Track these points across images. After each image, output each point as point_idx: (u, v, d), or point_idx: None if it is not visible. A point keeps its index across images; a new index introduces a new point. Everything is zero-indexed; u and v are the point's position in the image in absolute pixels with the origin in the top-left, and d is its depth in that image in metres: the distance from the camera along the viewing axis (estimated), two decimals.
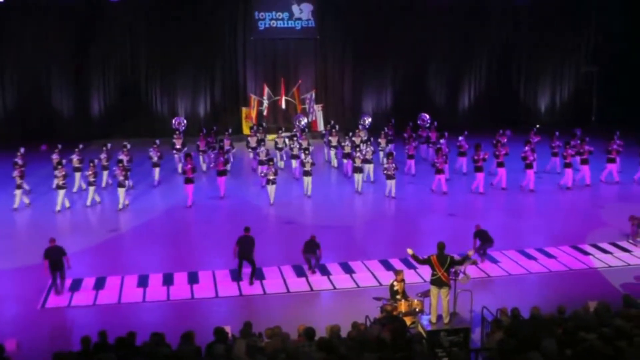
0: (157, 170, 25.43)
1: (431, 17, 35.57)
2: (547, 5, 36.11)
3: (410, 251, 12.66)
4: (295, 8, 34.46)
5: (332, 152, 28.01)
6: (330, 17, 35.22)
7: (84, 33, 33.08)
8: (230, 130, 28.18)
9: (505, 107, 36.74)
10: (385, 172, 23.43)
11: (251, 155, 27.87)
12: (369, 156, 24.90)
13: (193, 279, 16.63)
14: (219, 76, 34.99)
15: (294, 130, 29.39)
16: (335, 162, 28.02)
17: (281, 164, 27.43)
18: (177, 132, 28.46)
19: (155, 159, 25.27)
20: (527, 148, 24.27)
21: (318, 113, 33.90)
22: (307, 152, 23.94)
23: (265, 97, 33.29)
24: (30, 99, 33.27)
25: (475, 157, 23.75)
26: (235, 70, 34.98)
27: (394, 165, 23.26)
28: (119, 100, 34.15)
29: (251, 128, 28.26)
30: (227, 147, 26.86)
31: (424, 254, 13.04)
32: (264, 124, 30.76)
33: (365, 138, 27.68)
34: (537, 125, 36.18)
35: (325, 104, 34.94)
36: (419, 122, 30.52)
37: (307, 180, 23.54)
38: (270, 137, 29.80)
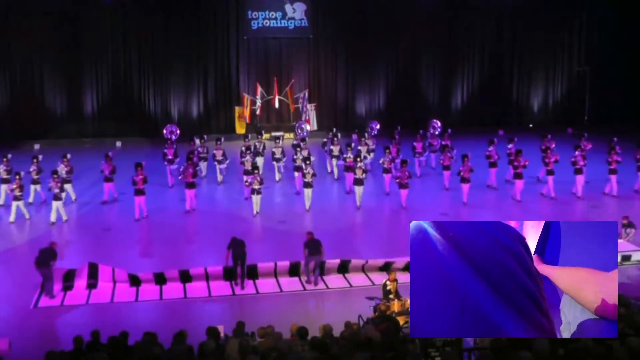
0: (109, 185, 22.83)
1: (424, 16, 35.60)
2: (540, 5, 36.18)
3: None
4: (288, 7, 34.46)
5: (334, 162, 25.86)
6: (323, 16, 35.26)
7: (77, 32, 32.99)
8: (222, 139, 26.15)
9: (498, 107, 36.84)
10: (397, 180, 22.05)
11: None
12: (386, 165, 23.46)
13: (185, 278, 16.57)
14: (212, 75, 34.92)
15: (296, 139, 27.27)
16: (337, 173, 25.85)
17: (278, 176, 25.51)
18: (169, 141, 25.94)
19: (106, 172, 22.64)
20: (577, 153, 23.10)
21: (311, 112, 33.87)
22: (307, 162, 22.27)
23: (258, 97, 33.25)
24: (22, 99, 33.11)
25: (515, 164, 22.58)
26: (228, 69, 34.93)
27: (407, 173, 21.98)
28: (111, 100, 33.98)
29: (245, 137, 26.28)
30: (219, 157, 24.95)
31: None
32: (263, 131, 28.85)
33: (373, 147, 26.28)
34: (530, 125, 36.40)
35: (318, 103, 34.96)
36: (430, 129, 28.82)
37: (308, 192, 21.90)
38: (264, 136, 29.55)
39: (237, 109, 34.18)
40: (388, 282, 13.78)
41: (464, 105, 37.33)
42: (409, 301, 13.35)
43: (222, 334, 10.91)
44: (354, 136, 32.93)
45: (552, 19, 36.53)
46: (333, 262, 16.73)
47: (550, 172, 22.88)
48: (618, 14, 36.33)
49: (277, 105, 33.70)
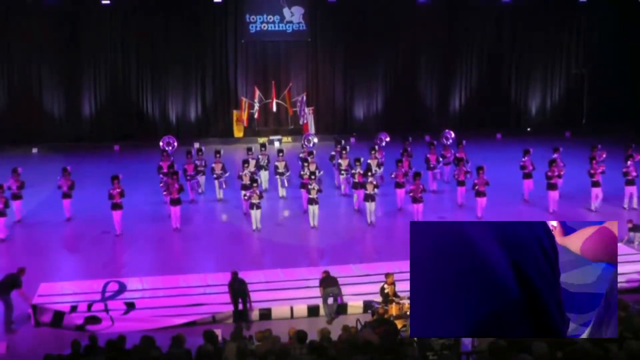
0: (68, 201, 21.21)
1: (423, 19, 35.52)
2: (540, 5, 36.13)
3: None
4: (286, 11, 34.42)
5: (342, 176, 23.85)
6: (321, 20, 35.18)
7: (75, 34, 32.93)
8: (222, 152, 24.04)
9: (496, 108, 36.76)
10: (411, 194, 20.68)
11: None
12: (399, 179, 22.05)
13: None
14: (210, 79, 34.79)
15: (303, 152, 24.84)
16: (344, 188, 23.90)
17: (282, 191, 23.64)
18: (165, 154, 24.03)
19: (64, 188, 21.10)
20: (629, 163, 22.03)
21: (309, 116, 33.78)
22: (313, 177, 20.91)
23: (256, 100, 33.19)
24: (21, 100, 32.95)
25: (549, 174, 21.43)
26: (226, 73, 34.82)
27: (422, 186, 20.62)
28: (109, 102, 33.83)
29: (249, 150, 24.48)
30: (218, 171, 23.06)
31: None
32: (266, 144, 26.40)
33: (382, 160, 24.36)
34: (529, 129, 36.36)
35: (316, 106, 34.90)
36: (442, 140, 26.95)
37: (313, 209, 20.41)
38: (260, 139, 29.37)
39: (235, 112, 34.11)
40: (386, 286, 13.73)
41: (462, 107, 37.17)
42: (407, 305, 13.35)
43: (219, 338, 10.89)
44: (352, 139, 32.89)
45: (552, 19, 36.43)
46: (356, 305, 15.14)
47: (595, 184, 21.87)
48: (618, 14, 36.25)
49: (274, 108, 33.63)
